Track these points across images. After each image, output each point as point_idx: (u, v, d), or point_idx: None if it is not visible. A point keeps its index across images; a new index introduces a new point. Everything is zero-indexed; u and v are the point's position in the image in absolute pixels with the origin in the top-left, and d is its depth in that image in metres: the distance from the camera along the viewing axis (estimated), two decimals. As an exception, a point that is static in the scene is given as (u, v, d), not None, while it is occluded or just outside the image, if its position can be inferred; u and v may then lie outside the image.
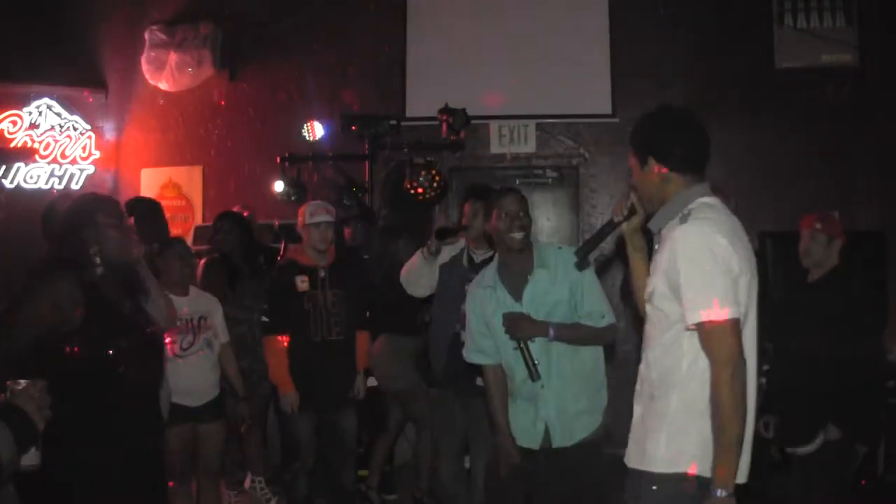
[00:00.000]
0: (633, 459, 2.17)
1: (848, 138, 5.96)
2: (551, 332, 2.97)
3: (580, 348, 3.08)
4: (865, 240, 5.29)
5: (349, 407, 4.25)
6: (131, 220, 2.82)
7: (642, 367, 2.23)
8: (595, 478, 3.09)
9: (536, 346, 3.02)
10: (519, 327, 2.97)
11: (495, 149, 6.38)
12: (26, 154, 6.35)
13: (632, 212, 2.33)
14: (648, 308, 2.20)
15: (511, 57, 6.23)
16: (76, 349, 2.43)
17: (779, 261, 3.99)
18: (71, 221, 2.59)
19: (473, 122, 5.87)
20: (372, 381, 4.50)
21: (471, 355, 3.26)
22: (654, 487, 2.08)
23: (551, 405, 3.03)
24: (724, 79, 6.05)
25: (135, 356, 2.55)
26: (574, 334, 3.02)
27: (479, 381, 3.69)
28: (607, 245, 6.15)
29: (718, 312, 1.96)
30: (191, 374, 3.84)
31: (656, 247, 2.23)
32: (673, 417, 2.07)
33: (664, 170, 2.17)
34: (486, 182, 5.34)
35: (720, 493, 1.94)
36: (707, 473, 2.00)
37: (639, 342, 2.37)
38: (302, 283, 4.09)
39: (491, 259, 3.78)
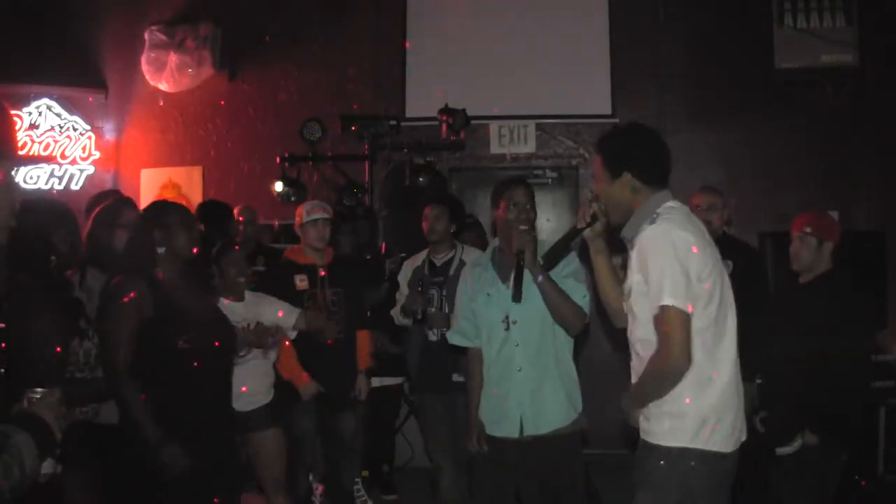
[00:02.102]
0: (648, 433, 2.37)
1: (848, 138, 5.96)
2: (541, 276, 2.98)
3: (559, 345, 3.13)
4: (865, 240, 5.29)
5: (350, 407, 4.25)
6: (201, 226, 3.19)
7: (634, 361, 2.44)
8: (573, 470, 3.16)
9: (519, 334, 3.08)
10: (524, 242, 2.97)
11: (495, 149, 6.38)
12: (30, 159, 6.36)
13: (594, 218, 2.52)
14: (629, 305, 2.40)
15: (511, 57, 6.23)
16: (148, 344, 2.68)
17: (778, 261, 3.99)
18: (142, 224, 2.88)
19: (473, 122, 5.88)
20: (374, 382, 4.50)
21: (452, 336, 3.37)
22: (662, 462, 2.30)
23: (524, 391, 3.08)
24: (724, 79, 6.05)
25: (205, 351, 2.76)
26: (557, 293, 3.01)
27: (454, 377, 3.80)
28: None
29: (674, 300, 2.19)
30: (240, 380, 3.57)
31: (631, 252, 2.41)
32: (670, 399, 2.28)
33: (637, 181, 2.40)
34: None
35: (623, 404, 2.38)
36: (704, 446, 2.26)
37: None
38: (301, 281, 4.10)
39: (451, 260, 4.01)
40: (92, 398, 2.84)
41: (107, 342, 2.72)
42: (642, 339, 2.34)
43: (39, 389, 1.81)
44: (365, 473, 4.83)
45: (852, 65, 5.68)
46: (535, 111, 6.31)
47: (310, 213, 4.15)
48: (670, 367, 2.21)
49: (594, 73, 6.23)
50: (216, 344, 2.84)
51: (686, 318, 2.19)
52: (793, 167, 5.97)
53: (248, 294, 3.86)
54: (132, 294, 2.70)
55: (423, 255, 4.19)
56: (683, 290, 2.20)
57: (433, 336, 4.00)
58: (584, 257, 2.71)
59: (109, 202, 3.31)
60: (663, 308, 2.20)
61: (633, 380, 2.44)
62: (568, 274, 3.13)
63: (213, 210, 4.77)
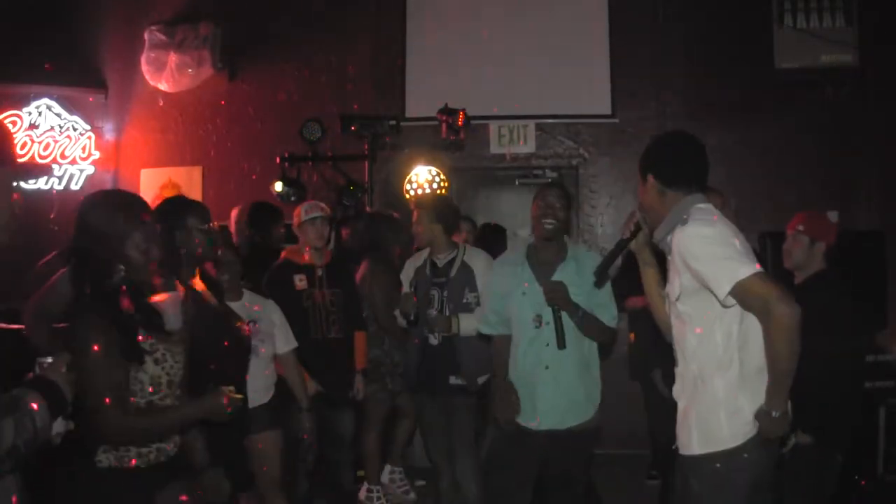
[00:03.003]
0: (693, 446, 2.36)
1: (848, 138, 5.96)
2: (580, 312, 3.19)
3: (585, 343, 3.29)
4: (865, 240, 5.29)
5: (348, 406, 4.26)
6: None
7: (680, 366, 2.45)
8: (584, 464, 3.36)
9: (549, 336, 3.21)
10: (558, 295, 3.16)
11: (495, 149, 6.39)
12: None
13: (638, 228, 2.57)
14: (677, 309, 2.42)
15: (511, 57, 6.23)
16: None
17: (778, 261, 3.99)
18: (163, 224, 2.64)
19: (473, 122, 5.87)
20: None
21: (482, 327, 3.54)
22: (718, 465, 2.30)
23: (549, 387, 3.23)
24: (724, 79, 6.06)
25: (226, 351, 2.73)
26: (592, 324, 3.25)
27: (452, 380, 3.87)
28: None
29: (740, 272, 2.18)
30: None
31: (669, 257, 2.47)
32: (725, 399, 2.30)
33: (660, 184, 2.46)
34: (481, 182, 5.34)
35: (775, 413, 2.23)
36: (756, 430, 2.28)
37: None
38: (300, 281, 4.12)
39: (453, 261, 4.01)
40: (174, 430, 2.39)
41: None
42: (698, 336, 2.34)
43: (49, 357, 1.90)
44: (361, 473, 4.82)
45: (852, 65, 5.69)
46: (535, 111, 6.31)
47: (308, 213, 4.18)
48: (788, 320, 2.16)
49: (594, 73, 6.23)
50: (235, 345, 2.84)
51: (764, 275, 2.20)
52: (793, 167, 5.97)
53: (247, 294, 3.83)
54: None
55: (424, 253, 4.18)
56: (743, 257, 2.22)
57: (434, 340, 3.96)
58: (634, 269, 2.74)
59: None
60: (739, 285, 2.18)
61: (678, 385, 2.44)
62: (605, 289, 3.29)
63: (259, 212, 4.74)
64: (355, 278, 4.40)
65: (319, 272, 4.17)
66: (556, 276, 3.24)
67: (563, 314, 3.18)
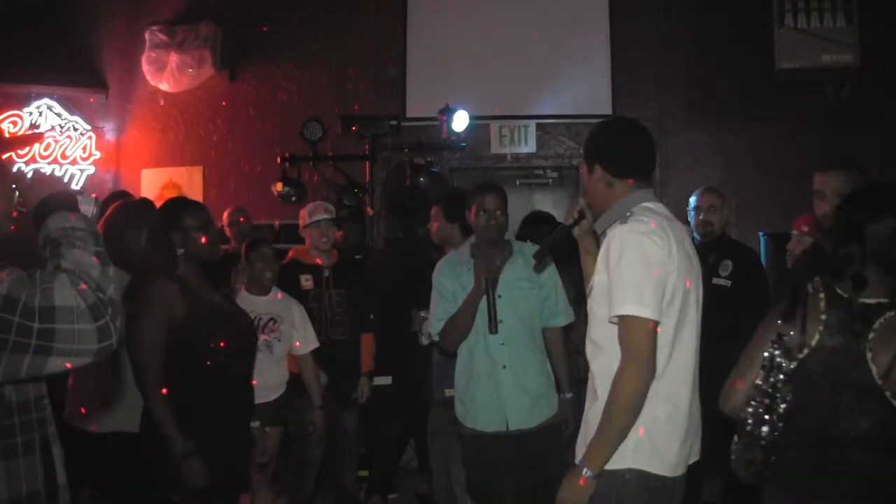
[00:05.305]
0: (578, 456, 2.17)
1: (848, 138, 5.95)
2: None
3: (542, 343, 3.23)
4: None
5: (351, 407, 4.26)
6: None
7: (591, 370, 2.26)
8: (559, 462, 3.16)
9: (504, 333, 3.12)
10: (488, 263, 3.07)
11: (495, 149, 6.39)
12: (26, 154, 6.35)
13: (581, 216, 2.40)
14: (589, 304, 2.25)
15: (511, 57, 6.23)
16: (181, 343, 2.64)
17: (779, 261, 3.99)
18: (160, 225, 2.74)
19: (473, 122, 5.88)
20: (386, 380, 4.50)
21: (434, 327, 3.28)
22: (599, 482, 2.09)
23: (510, 387, 3.13)
24: (725, 79, 6.06)
25: (233, 347, 2.76)
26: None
27: (447, 392, 3.73)
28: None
29: (640, 309, 2.02)
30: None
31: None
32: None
33: (608, 175, 2.25)
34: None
35: (587, 472, 2.04)
36: (645, 467, 2.07)
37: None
38: (306, 281, 4.12)
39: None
40: None
41: (140, 348, 2.64)
42: (595, 340, 2.18)
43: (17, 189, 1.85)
44: (364, 473, 4.83)
45: (852, 65, 5.68)
46: (535, 111, 6.31)
47: (312, 215, 4.17)
48: (641, 384, 2.01)
49: (594, 73, 6.24)
50: (241, 342, 2.87)
51: (653, 330, 2.04)
52: (793, 167, 5.96)
53: (276, 291, 3.90)
54: (164, 298, 2.65)
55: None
56: (652, 299, 2.04)
57: (425, 340, 3.91)
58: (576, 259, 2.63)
59: (122, 202, 3.24)
60: (625, 318, 2.04)
61: (589, 384, 2.25)
62: (546, 274, 3.22)
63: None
64: (363, 279, 4.39)
65: (326, 273, 4.17)
66: (504, 274, 3.14)
67: (500, 299, 3.07)
